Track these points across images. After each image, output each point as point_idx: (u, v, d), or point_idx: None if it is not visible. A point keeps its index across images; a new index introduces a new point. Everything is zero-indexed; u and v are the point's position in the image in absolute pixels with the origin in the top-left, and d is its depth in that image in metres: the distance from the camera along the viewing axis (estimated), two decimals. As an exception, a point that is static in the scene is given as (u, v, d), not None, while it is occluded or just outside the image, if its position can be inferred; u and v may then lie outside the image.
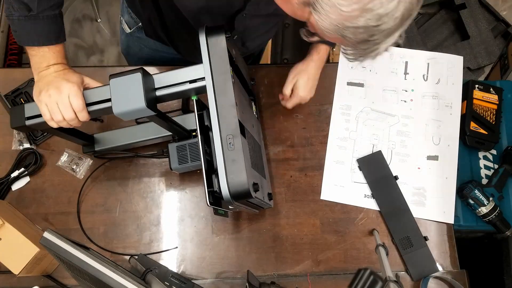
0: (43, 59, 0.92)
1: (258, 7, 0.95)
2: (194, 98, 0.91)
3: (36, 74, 0.92)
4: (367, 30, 0.63)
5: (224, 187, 0.82)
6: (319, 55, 1.19)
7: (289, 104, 1.21)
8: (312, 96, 1.20)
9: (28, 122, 0.94)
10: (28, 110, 0.94)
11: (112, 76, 0.85)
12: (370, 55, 0.69)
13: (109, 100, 0.86)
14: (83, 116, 0.89)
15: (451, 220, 1.20)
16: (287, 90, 1.19)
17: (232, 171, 0.82)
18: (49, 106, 0.87)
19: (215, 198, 0.87)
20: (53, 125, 0.90)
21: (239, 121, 0.85)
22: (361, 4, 0.60)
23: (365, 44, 0.66)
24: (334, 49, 1.96)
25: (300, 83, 1.18)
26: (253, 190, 0.84)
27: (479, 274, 1.20)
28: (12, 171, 1.17)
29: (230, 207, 0.87)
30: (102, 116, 1.24)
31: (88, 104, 0.90)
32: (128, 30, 1.28)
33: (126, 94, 0.83)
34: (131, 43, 1.33)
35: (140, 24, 1.22)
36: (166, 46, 1.26)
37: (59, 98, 0.86)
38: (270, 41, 1.96)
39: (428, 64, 1.33)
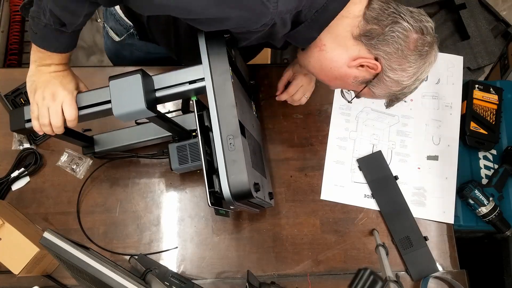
0: (49, 58, 0.91)
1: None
2: (194, 98, 0.91)
3: (35, 66, 0.90)
4: (413, 90, 0.90)
5: (225, 187, 0.82)
6: None
7: (291, 89, 1.15)
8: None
9: (28, 125, 0.94)
10: (28, 112, 0.93)
11: (112, 77, 0.85)
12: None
13: (108, 102, 0.86)
14: (72, 125, 0.90)
15: (451, 220, 1.20)
16: (283, 79, 1.17)
17: (233, 171, 0.82)
18: (40, 108, 0.88)
19: (216, 198, 0.87)
20: (36, 125, 0.89)
21: (239, 121, 0.85)
22: (416, 76, 0.85)
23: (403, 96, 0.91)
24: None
25: (298, 68, 1.15)
26: (254, 190, 0.84)
27: (479, 274, 1.20)
28: (12, 171, 1.17)
29: (231, 207, 0.87)
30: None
31: (87, 107, 0.90)
32: (117, 39, 1.25)
33: (126, 95, 0.83)
34: (120, 49, 1.30)
35: (132, 30, 1.20)
36: (161, 48, 1.24)
37: (51, 104, 0.87)
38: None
39: (428, 64, 1.33)
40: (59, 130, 0.90)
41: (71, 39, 0.89)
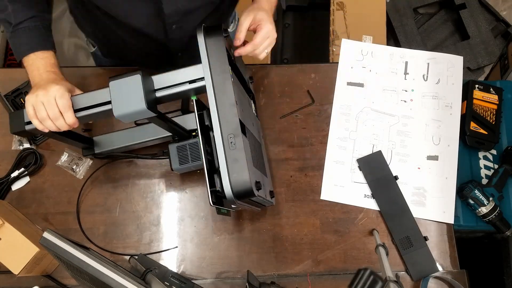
0: (34, 67, 0.95)
1: None
2: (193, 98, 0.91)
3: (32, 85, 0.94)
4: None
5: (227, 186, 0.82)
6: None
7: (258, 40, 0.96)
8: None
9: (28, 127, 0.94)
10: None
11: (112, 78, 0.85)
12: None
13: (109, 102, 0.86)
14: (69, 117, 0.89)
15: (451, 220, 1.20)
16: (243, 27, 0.96)
17: (234, 170, 0.82)
18: (35, 105, 0.88)
19: (217, 198, 0.87)
20: (37, 124, 0.90)
21: (239, 120, 0.85)
22: None
23: None
24: (335, 50, 1.95)
25: (261, 15, 0.96)
26: (255, 188, 0.85)
27: (479, 274, 1.20)
28: (12, 171, 1.17)
29: (232, 206, 0.87)
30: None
31: (87, 108, 0.90)
32: (92, 49, 1.32)
33: (126, 96, 0.83)
34: (98, 61, 1.37)
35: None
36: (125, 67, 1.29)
37: (44, 98, 0.87)
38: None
39: (428, 64, 1.33)
40: (60, 122, 0.89)
41: (30, 35, 0.95)
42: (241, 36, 0.95)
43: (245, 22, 0.95)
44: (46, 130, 0.91)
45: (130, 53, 1.22)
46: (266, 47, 0.98)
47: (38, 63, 0.95)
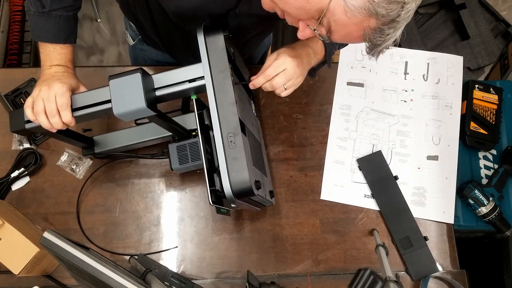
0: (48, 57, 0.95)
1: (250, 6, 0.91)
2: (193, 97, 0.91)
3: (41, 73, 0.95)
4: (398, 5, 0.65)
5: (227, 185, 0.82)
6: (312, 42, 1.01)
7: (269, 71, 0.93)
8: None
9: (28, 126, 0.94)
10: None
11: (112, 77, 0.85)
12: (381, 46, 0.71)
13: (109, 101, 0.86)
14: (66, 115, 0.89)
15: (451, 220, 1.20)
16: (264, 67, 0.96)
17: (234, 169, 0.82)
18: (35, 98, 0.89)
19: (217, 197, 0.87)
20: (29, 114, 0.89)
21: (239, 119, 0.85)
22: None
23: (387, 28, 0.68)
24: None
25: (283, 49, 0.96)
26: (255, 187, 0.85)
27: (479, 274, 1.20)
28: (12, 171, 1.17)
29: (232, 205, 0.87)
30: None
31: (87, 106, 0.90)
32: (131, 43, 1.31)
33: (126, 94, 0.83)
34: (136, 55, 1.36)
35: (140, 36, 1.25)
36: (168, 56, 1.27)
37: (45, 94, 0.88)
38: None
39: (428, 64, 1.33)
40: (56, 120, 0.89)
41: (59, 25, 0.94)
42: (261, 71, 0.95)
43: (268, 58, 0.95)
44: (37, 122, 0.90)
45: (177, 45, 1.18)
46: (284, 82, 0.92)
47: (53, 56, 0.96)
